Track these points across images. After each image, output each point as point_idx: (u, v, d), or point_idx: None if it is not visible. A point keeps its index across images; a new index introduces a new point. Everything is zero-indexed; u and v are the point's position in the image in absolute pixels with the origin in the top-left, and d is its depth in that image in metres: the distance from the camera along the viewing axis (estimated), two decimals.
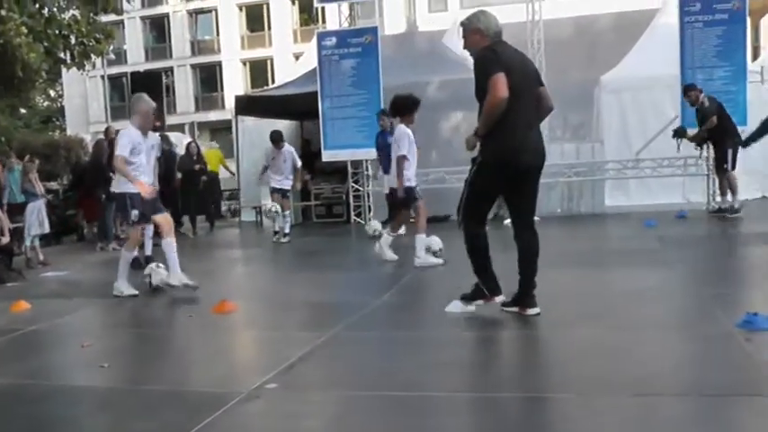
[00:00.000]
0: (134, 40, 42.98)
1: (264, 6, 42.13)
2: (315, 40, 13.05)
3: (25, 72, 12.91)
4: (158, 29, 44.17)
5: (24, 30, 12.03)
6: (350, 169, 12.85)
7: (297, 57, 26.67)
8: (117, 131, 11.24)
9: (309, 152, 13.97)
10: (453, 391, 3.51)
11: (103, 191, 10.06)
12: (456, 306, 5.04)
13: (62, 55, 14.34)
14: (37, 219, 9.83)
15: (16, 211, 10.20)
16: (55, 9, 13.88)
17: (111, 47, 18.94)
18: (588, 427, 3.02)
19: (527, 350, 4.42)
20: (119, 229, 10.66)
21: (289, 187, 10.93)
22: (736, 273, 6.76)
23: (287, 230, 10.72)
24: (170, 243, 6.62)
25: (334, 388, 3.71)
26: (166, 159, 11.60)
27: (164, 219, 6.73)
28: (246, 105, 14.55)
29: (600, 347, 4.11)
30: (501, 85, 4.43)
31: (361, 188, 12.88)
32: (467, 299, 4.98)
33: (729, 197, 10.28)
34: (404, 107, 7.55)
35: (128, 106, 8.24)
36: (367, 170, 12.68)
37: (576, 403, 3.26)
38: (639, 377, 3.49)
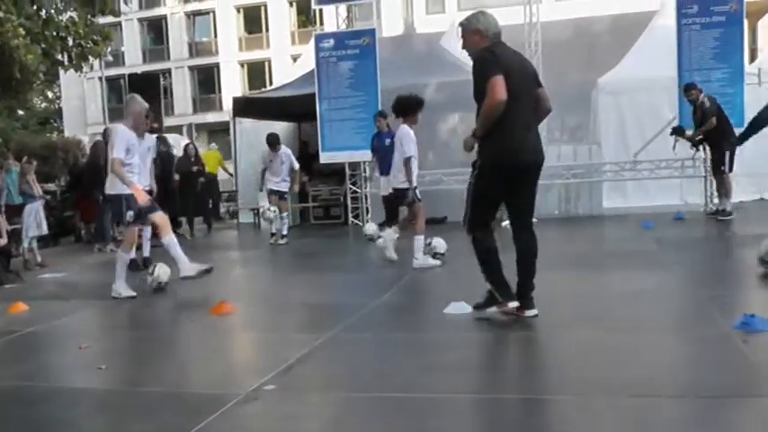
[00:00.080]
0: (132, 41, 42.90)
1: (262, 8, 42.09)
2: (312, 41, 13.08)
3: (23, 73, 12.87)
4: (156, 30, 44.10)
5: (22, 31, 12.00)
6: (347, 171, 12.87)
7: (294, 58, 26.62)
8: (105, 129, 11.28)
9: (307, 154, 13.98)
10: (452, 392, 3.51)
11: (101, 192, 10.00)
12: (455, 308, 5.03)
13: (60, 57, 14.31)
14: (35, 220, 9.83)
15: (14, 212, 10.18)
16: (52, 11, 13.86)
17: (109, 48, 18.92)
18: (586, 428, 3.03)
19: (525, 352, 4.42)
20: (116, 230, 10.65)
21: (286, 189, 10.93)
22: (733, 274, 6.77)
23: (285, 232, 10.73)
24: (171, 240, 6.63)
25: (332, 389, 3.72)
26: (164, 161, 11.60)
27: (159, 217, 6.72)
28: (244, 107, 14.57)
29: (598, 349, 4.11)
30: (499, 88, 4.42)
31: (358, 190, 12.89)
32: (480, 307, 4.88)
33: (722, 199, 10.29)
34: (407, 107, 7.43)
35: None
36: (365, 172, 12.69)
37: (575, 405, 3.27)
38: (637, 379, 3.50)
